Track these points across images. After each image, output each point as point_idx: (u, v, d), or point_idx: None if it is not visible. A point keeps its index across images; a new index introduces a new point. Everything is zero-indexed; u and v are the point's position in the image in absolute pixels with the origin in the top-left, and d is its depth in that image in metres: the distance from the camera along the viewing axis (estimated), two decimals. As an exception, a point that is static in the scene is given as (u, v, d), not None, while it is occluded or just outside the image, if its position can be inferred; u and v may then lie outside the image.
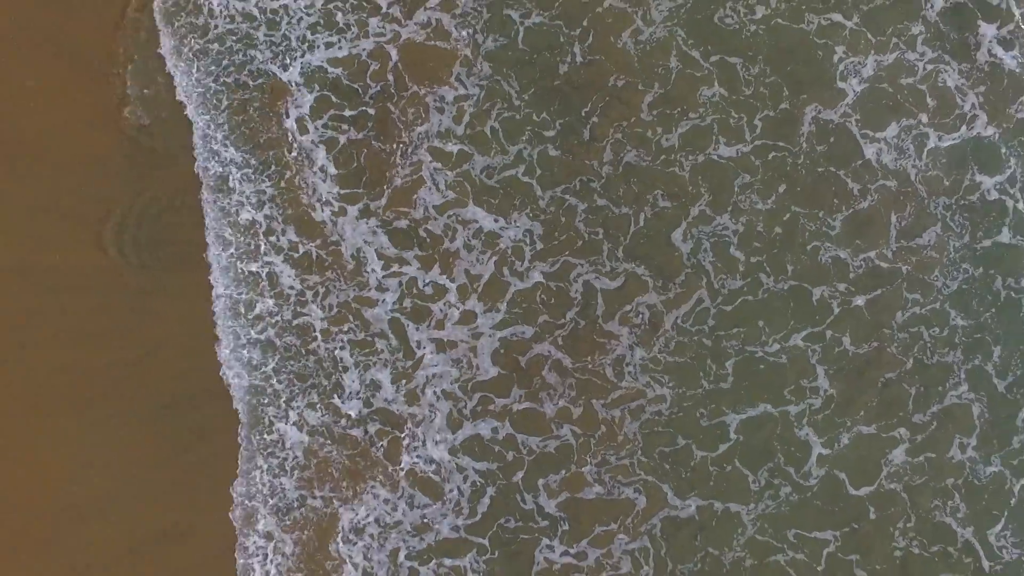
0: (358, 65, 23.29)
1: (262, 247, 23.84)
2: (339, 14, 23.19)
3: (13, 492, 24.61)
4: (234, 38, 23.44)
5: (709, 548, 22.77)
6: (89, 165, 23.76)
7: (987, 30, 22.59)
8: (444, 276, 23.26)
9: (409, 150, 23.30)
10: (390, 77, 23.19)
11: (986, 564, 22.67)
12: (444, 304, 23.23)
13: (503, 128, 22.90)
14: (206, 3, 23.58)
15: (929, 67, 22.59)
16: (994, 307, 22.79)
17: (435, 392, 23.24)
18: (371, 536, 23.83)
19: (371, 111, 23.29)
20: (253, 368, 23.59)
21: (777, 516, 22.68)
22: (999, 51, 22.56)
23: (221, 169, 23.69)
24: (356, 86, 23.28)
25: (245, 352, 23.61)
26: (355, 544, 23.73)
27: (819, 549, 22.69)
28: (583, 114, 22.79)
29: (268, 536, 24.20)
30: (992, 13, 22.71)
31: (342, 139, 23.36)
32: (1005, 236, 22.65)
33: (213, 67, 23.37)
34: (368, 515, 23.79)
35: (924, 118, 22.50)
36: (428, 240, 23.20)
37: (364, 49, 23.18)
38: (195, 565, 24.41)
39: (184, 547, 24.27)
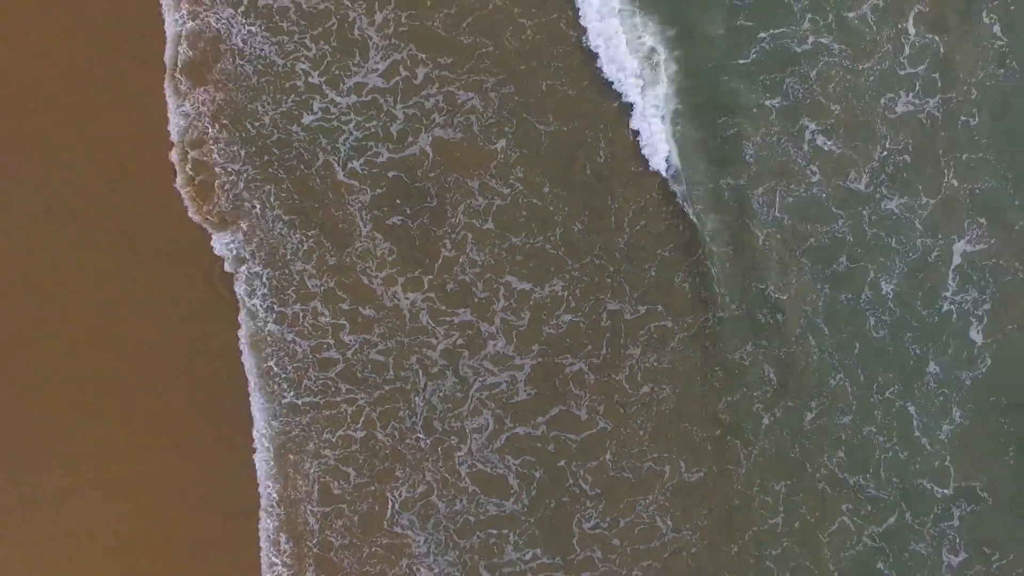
0: (411, 164, 29.24)
1: (321, 309, 29.30)
2: (393, 125, 29.20)
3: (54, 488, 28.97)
4: (300, 145, 29.24)
5: (711, 506, 30.00)
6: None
7: (809, 124, 30.15)
8: (491, 326, 29.55)
9: (455, 232, 29.32)
10: (434, 173, 29.27)
11: (868, 506, 30.55)
12: (492, 344, 29.47)
13: (533, 213, 29.49)
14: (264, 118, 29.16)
15: (785, 144, 30.28)
16: (843, 317, 30.48)
17: (485, 402, 29.49)
18: (424, 514, 29.43)
19: (425, 202, 29.26)
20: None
21: (747, 473, 30.14)
22: (820, 139, 30.19)
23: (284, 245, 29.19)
24: (413, 184, 29.17)
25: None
26: (412, 517, 29.44)
27: (777, 495, 30.23)
28: (608, 200, 29.54)
29: (334, 500, 29.35)
30: (815, 110, 30.28)
31: (398, 221, 29.33)
32: (843, 265, 30.33)
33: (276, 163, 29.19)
34: (426, 495, 29.40)
35: (789, 185, 30.29)
36: (476, 300, 29.41)
37: (413, 153, 29.26)
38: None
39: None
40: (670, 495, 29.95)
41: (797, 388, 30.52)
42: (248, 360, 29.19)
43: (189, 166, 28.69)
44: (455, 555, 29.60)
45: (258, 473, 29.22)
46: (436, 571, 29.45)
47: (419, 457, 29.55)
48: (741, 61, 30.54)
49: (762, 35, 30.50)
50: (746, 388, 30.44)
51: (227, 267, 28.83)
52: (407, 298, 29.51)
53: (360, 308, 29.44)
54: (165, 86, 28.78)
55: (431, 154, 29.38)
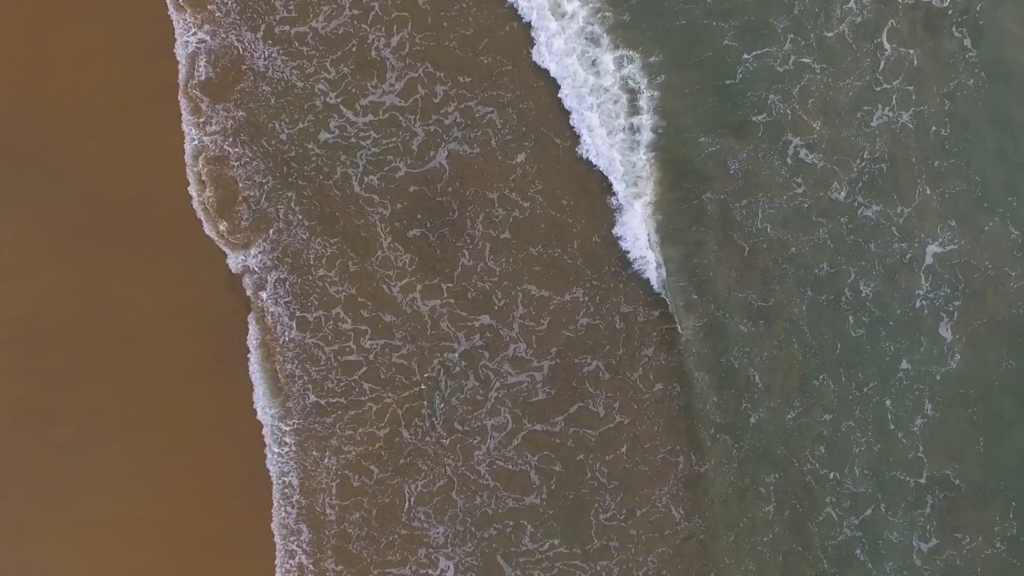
0: (430, 178, 30.98)
1: (343, 315, 30.80)
2: (413, 140, 30.93)
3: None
4: (320, 159, 30.93)
5: (713, 497, 31.58)
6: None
7: (792, 139, 32.08)
8: (511, 330, 31.25)
9: (474, 242, 31.03)
10: (453, 187, 31.03)
11: (847, 499, 32.11)
12: (513, 348, 31.12)
13: (551, 224, 31.39)
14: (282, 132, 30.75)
15: (770, 158, 32.16)
16: (824, 320, 32.17)
17: (503, 401, 31.18)
18: (442, 508, 30.93)
19: (447, 216, 31.01)
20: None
21: (739, 465, 31.84)
22: (803, 152, 32.12)
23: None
24: (435, 199, 30.93)
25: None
26: (430, 511, 30.88)
27: (768, 484, 31.85)
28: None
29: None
30: (797, 126, 32.20)
31: (418, 233, 31.05)
32: (824, 270, 32.16)
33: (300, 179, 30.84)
34: (446, 490, 30.92)
35: (773, 197, 32.20)
36: (497, 307, 31.15)
37: (432, 167, 31.01)
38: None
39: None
40: (682, 486, 31.53)
41: (782, 388, 32.16)
42: (257, 363, 30.72)
43: (208, 187, 30.46)
44: (473, 545, 31.02)
45: (270, 467, 30.76)
46: (455, 560, 30.83)
47: (439, 454, 30.99)
48: (727, 82, 32.27)
49: (746, 56, 32.39)
50: (735, 390, 32.07)
51: (247, 283, 30.47)
52: (427, 305, 31.08)
53: (381, 314, 30.91)
54: (181, 103, 30.46)
55: (449, 168, 31.13)
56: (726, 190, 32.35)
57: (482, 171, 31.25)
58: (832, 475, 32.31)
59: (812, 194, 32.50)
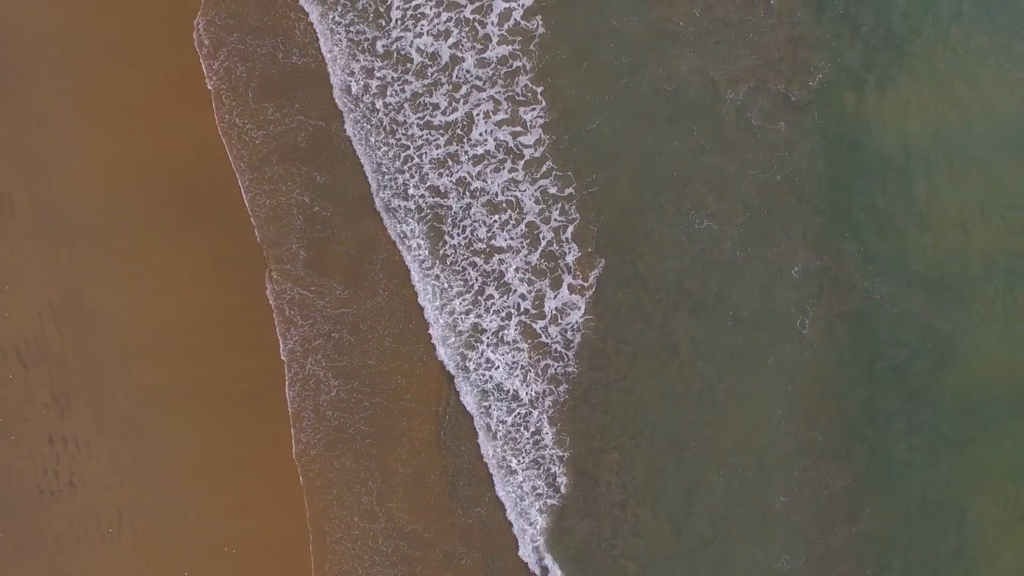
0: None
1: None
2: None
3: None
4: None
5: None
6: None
7: (691, 210, 39.29)
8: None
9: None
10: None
11: (734, 478, 38.62)
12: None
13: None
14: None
15: (677, 229, 40.06)
16: (715, 340, 38.92)
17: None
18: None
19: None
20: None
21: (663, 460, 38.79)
22: (697, 219, 39.64)
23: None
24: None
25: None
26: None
27: (681, 467, 38.70)
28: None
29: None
30: (698, 200, 40.49)
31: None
32: (712, 299, 39.30)
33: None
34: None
35: (675, 258, 39.64)
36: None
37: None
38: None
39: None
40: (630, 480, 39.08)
41: (687, 394, 39.26)
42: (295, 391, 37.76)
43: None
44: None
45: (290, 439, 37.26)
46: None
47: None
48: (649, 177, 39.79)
49: (657, 151, 39.99)
50: (649, 406, 39.05)
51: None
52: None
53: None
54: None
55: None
56: (640, 253, 39.68)
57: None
58: (717, 454, 38.69)
59: (707, 249, 39.73)
